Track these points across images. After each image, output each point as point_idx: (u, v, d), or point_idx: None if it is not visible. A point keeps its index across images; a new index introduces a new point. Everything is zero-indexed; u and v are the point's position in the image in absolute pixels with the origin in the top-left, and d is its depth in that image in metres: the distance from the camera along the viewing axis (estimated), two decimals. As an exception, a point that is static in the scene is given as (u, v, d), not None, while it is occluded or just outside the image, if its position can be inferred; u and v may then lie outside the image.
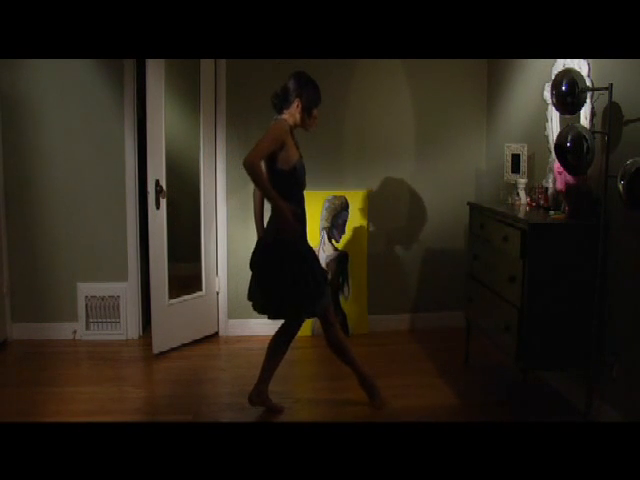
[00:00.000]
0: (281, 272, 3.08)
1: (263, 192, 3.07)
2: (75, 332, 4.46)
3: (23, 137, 4.30)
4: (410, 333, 4.67)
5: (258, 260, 3.20)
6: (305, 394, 3.62)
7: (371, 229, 4.65)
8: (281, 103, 3.15)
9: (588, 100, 3.14)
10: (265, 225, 3.26)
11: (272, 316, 3.25)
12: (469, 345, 3.99)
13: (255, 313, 4.57)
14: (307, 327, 4.59)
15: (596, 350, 3.12)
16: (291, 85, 3.12)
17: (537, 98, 3.81)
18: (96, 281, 4.45)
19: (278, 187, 3.07)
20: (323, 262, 4.53)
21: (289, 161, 3.06)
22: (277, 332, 3.39)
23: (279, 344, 3.36)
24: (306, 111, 3.14)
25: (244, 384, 3.68)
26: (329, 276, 4.55)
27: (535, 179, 3.81)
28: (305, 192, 4.54)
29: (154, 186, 4.03)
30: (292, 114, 3.13)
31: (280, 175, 3.08)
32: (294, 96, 3.11)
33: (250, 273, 3.26)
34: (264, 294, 3.18)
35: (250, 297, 3.30)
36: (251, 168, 2.92)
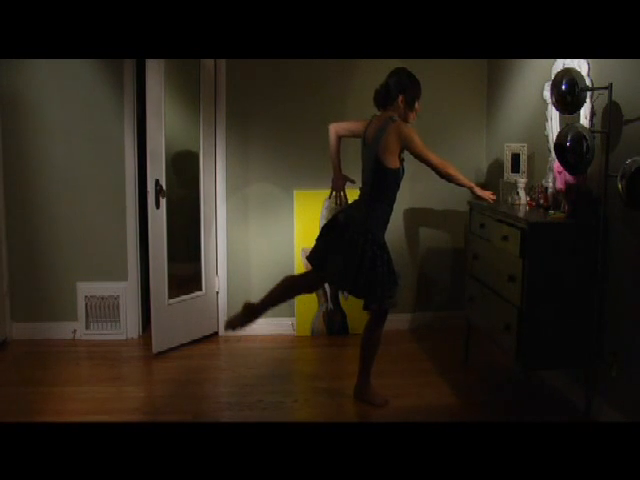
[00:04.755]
0: (361, 252, 3.16)
1: (462, 184, 3.32)
2: (75, 332, 4.45)
3: (23, 137, 4.30)
4: (410, 333, 4.67)
5: (343, 233, 3.23)
6: (305, 394, 3.62)
7: (371, 229, 4.65)
8: (384, 100, 3.26)
9: (588, 100, 3.14)
10: (354, 205, 3.34)
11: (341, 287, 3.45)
12: (469, 345, 3.99)
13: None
14: (307, 327, 4.59)
15: (596, 349, 3.12)
16: (392, 82, 3.25)
17: (537, 98, 3.81)
18: (96, 281, 4.45)
19: (382, 184, 3.22)
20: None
21: (397, 162, 3.20)
22: (366, 324, 3.44)
23: (369, 336, 3.41)
24: (409, 105, 3.24)
25: (244, 384, 3.69)
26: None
27: (535, 179, 3.81)
28: (305, 192, 4.57)
29: (154, 186, 4.03)
30: (396, 109, 3.24)
31: (388, 173, 3.18)
32: (397, 92, 3.22)
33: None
34: (341, 268, 3.22)
35: (317, 264, 3.32)
36: (453, 174, 3.24)
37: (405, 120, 3.25)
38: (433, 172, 3.28)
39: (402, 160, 3.24)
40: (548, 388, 3.60)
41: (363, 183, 3.33)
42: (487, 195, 3.45)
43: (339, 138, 3.46)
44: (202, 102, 4.35)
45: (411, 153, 3.19)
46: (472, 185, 3.36)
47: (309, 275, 3.40)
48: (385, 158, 3.16)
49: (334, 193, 3.52)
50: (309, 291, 3.48)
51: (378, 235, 3.25)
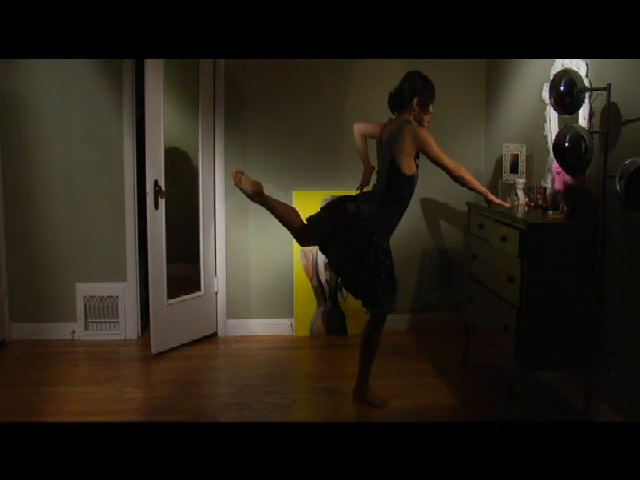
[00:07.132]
0: (364, 254, 3.17)
1: (475, 189, 3.29)
2: (74, 332, 4.45)
3: (22, 137, 4.30)
4: (409, 333, 4.67)
5: (351, 225, 3.20)
6: (304, 394, 3.62)
7: (370, 229, 4.65)
8: (398, 103, 3.27)
9: (586, 100, 3.14)
10: (367, 196, 3.32)
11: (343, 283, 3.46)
12: (468, 345, 3.99)
13: (254, 313, 4.64)
14: (306, 327, 4.59)
15: (594, 350, 3.12)
16: (406, 85, 3.25)
17: (536, 98, 3.82)
18: (95, 281, 4.45)
19: (396, 189, 3.21)
20: (322, 262, 4.54)
21: (412, 167, 3.20)
22: (366, 325, 3.44)
23: (369, 338, 3.40)
24: (423, 108, 3.26)
25: (243, 384, 3.69)
26: (328, 278, 4.57)
27: (534, 179, 3.82)
28: (304, 192, 4.57)
29: (153, 186, 4.02)
30: (411, 112, 3.25)
31: (403, 179, 3.19)
32: (411, 95, 3.23)
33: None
34: (339, 259, 3.24)
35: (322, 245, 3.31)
36: (467, 179, 3.23)
37: (420, 123, 3.26)
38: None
39: (417, 166, 3.23)
40: (547, 388, 3.61)
41: (378, 183, 3.32)
42: (501, 202, 3.39)
43: (364, 136, 3.47)
44: (201, 102, 4.35)
45: (427, 156, 3.18)
46: (485, 191, 3.33)
47: (303, 228, 3.30)
48: (400, 159, 3.15)
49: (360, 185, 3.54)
50: (292, 233, 3.37)
51: (383, 239, 3.24)
